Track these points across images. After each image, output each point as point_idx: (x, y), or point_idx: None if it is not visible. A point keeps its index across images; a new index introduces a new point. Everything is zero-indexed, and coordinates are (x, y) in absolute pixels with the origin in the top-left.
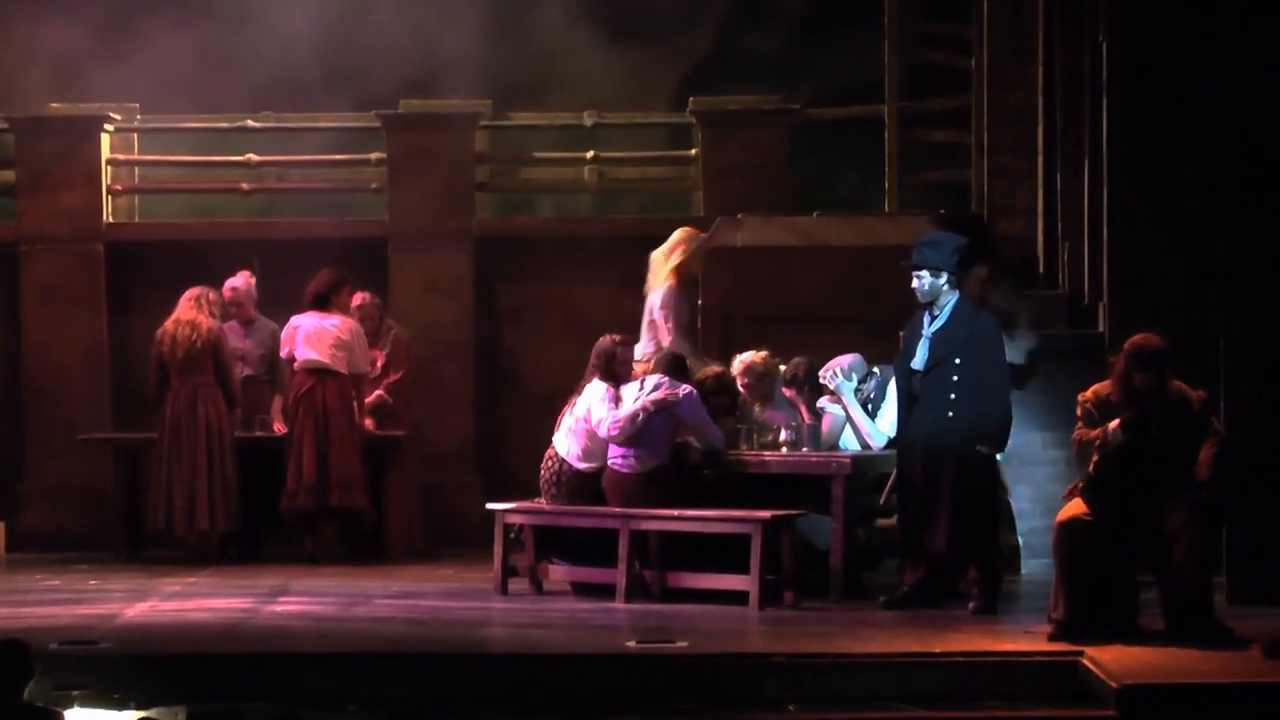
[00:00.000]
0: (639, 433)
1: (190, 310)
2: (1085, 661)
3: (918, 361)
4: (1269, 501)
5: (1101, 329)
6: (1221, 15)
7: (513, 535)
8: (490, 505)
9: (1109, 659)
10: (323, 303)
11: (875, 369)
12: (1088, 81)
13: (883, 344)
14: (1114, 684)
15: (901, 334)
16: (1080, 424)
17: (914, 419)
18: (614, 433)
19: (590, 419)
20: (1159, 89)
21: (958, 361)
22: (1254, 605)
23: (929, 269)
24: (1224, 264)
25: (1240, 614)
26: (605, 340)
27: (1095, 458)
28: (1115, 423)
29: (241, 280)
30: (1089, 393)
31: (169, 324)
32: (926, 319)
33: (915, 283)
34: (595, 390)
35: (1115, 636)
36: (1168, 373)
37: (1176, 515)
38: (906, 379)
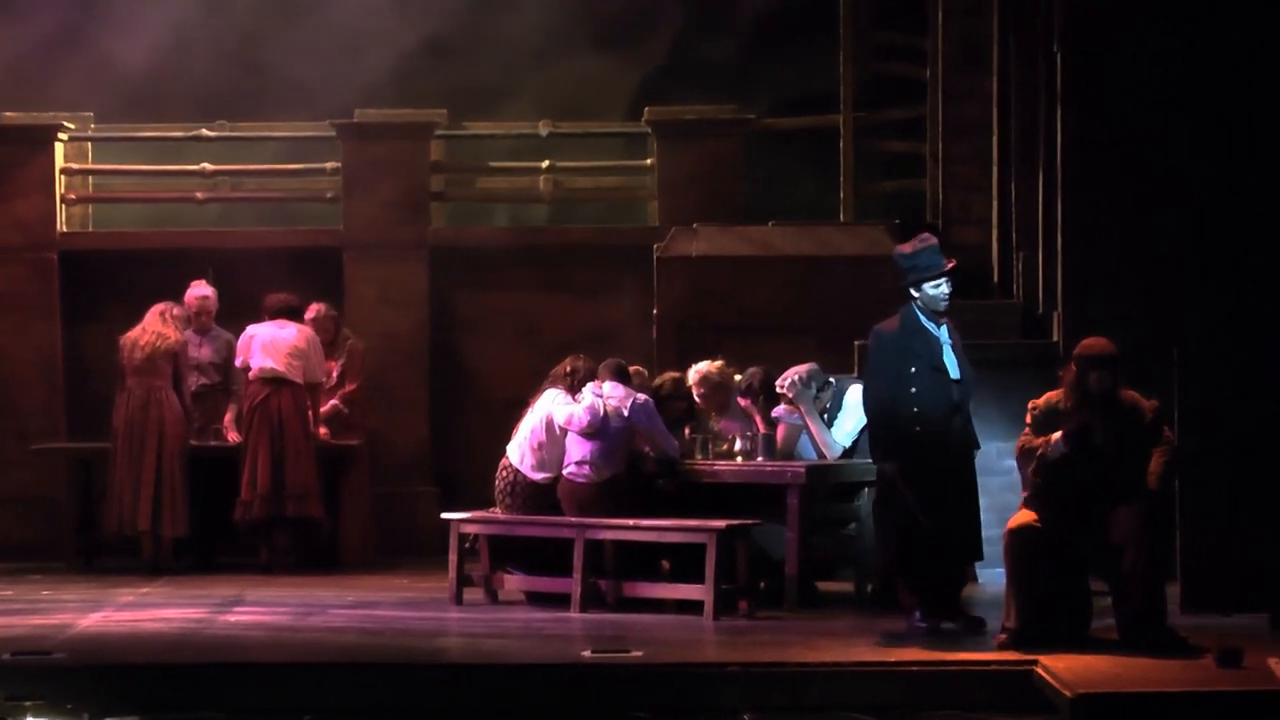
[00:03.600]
0: (596, 443)
1: (157, 322)
2: (1039, 670)
3: (954, 370)
4: (1222, 510)
5: (1055, 338)
6: (1174, 26)
7: (468, 545)
8: (445, 515)
9: (1063, 668)
10: (282, 314)
11: (831, 378)
12: (1042, 92)
13: (838, 353)
14: (1068, 693)
15: (890, 345)
16: (1027, 429)
17: (955, 426)
18: (585, 422)
19: (546, 430)
20: (1112, 100)
21: (969, 371)
22: (1207, 613)
23: (953, 275)
24: (1177, 274)
25: (1194, 623)
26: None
27: (1034, 465)
28: (1058, 434)
29: (198, 290)
30: (1040, 400)
31: (135, 331)
32: (935, 327)
33: (947, 287)
34: (552, 396)
35: (1069, 645)
36: (1119, 377)
37: (1124, 524)
38: (941, 387)
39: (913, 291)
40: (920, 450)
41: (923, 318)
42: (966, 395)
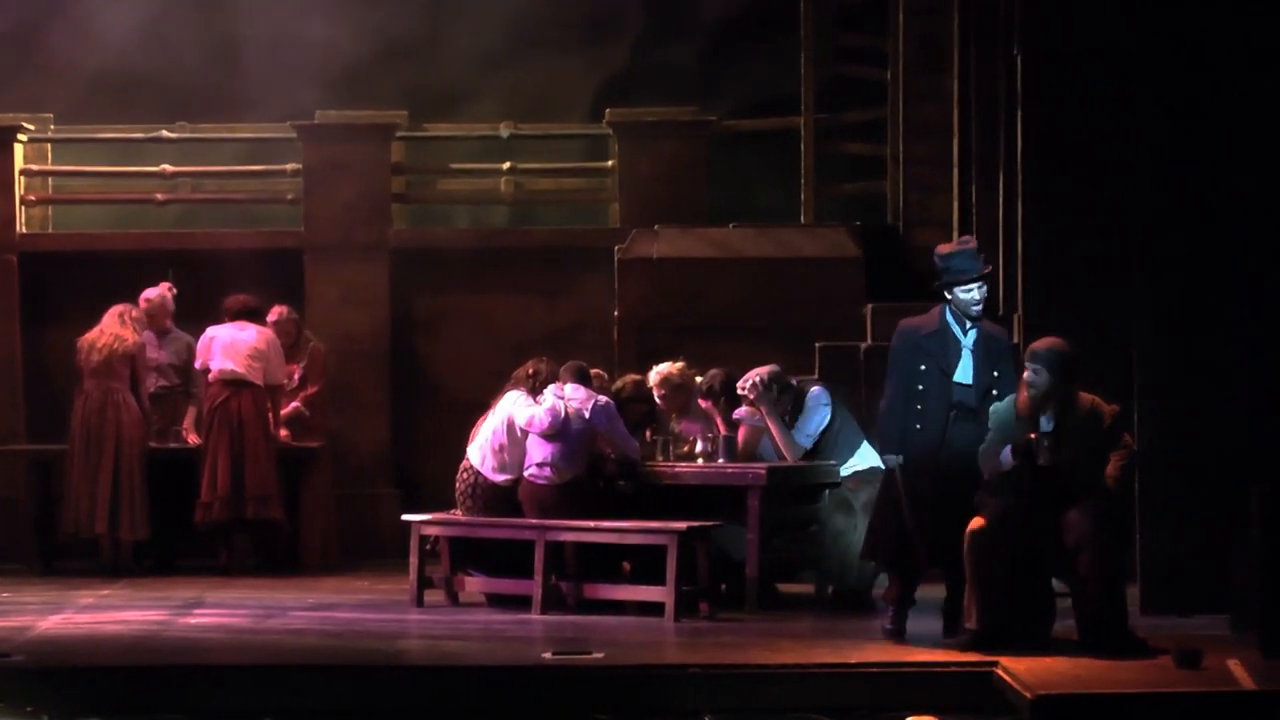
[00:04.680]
0: (557, 445)
1: (115, 324)
2: (999, 672)
3: (963, 374)
4: (1180, 512)
5: (1016, 340)
6: (1135, 28)
7: (428, 547)
8: (406, 517)
9: (1023, 669)
10: (243, 315)
11: (793, 380)
12: (1002, 94)
13: (799, 355)
14: (1028, 694)
15: (905, 341)
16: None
17: (960, 431)
18: (546, 423)
19: (507, 431)
20: (1073, 102)
21: (996, 374)
22: (1167, 615)
23: (987, 280)
24: (1135, 278)
25: (1153, 624)
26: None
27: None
28: (1006, 448)
29: (156, 292)
30: (1002, 404)
31: (93, 333)
32: (961, 332)
33: (980, 293)
34: (514, 398)
35: (1030, 646)
36: (1070, 377)
37: (1078, 527)
38: (945, 391)
39: (946, 294)
40: (918, 449)
41: (951, 319)
42: (976, 401)
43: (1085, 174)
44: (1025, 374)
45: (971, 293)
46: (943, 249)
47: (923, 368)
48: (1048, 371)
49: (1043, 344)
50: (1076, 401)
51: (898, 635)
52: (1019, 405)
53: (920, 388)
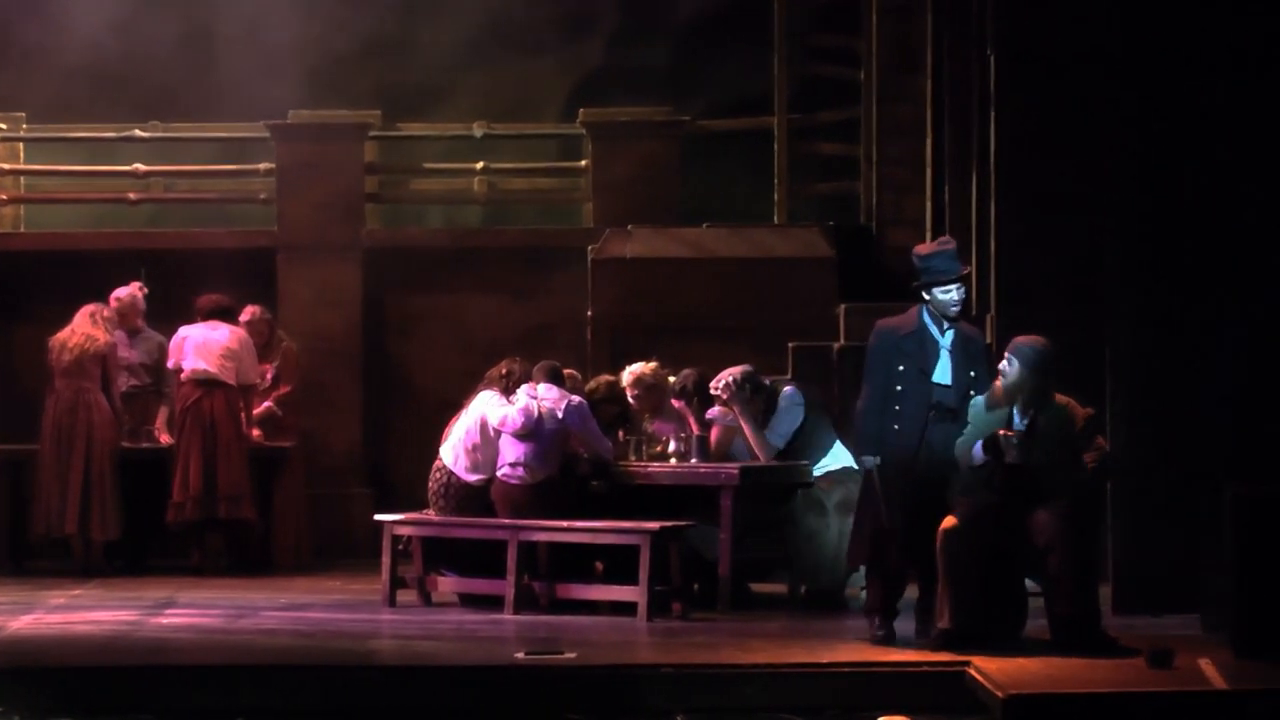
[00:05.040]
0: (530, 445)
1: (86, 324)
2: (971, 671)
3: (942, 375)
4: (1152, 512)
5: (989, 340)
6: (1108, 28)
7: (401, 547)
8: (378, 516)
9: (995, 669)
10: (215, 315)
11: (766, 380)
12: (976, 94)
13: (772, 355)
14: (1000, 694)
15: (883, 341)
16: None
17: (939, 432)
18: (519, 423)
19: (480, 431)
20: (1047, 102)
21: (973, 375)
22: (1139, 615)
23: (965, 280)
24: (1111, 277)
25: (1125, 624)
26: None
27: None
28: (978, 443)
29: (126, 291)
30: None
31: (64, 333)
32: (939, 332)
33: (959, 294)
34: (487, 398)
35: (1002, 646)
36: (1051, 376)
37: (1049, 527)
38: (924, 392)
39: (924, 294)
40: (896, 450)
41: (928, 320)
42: (956, 402)
43: (1058, 174)
44: (1001, 365)
45: (950, 293)
46: (922, 249)
47: (901, 368)
48: (1021, 365)
49: (1023, 339)
50: (1052, 401)
51: (889, 640)
52: (990, 395)
53: (899, 388)
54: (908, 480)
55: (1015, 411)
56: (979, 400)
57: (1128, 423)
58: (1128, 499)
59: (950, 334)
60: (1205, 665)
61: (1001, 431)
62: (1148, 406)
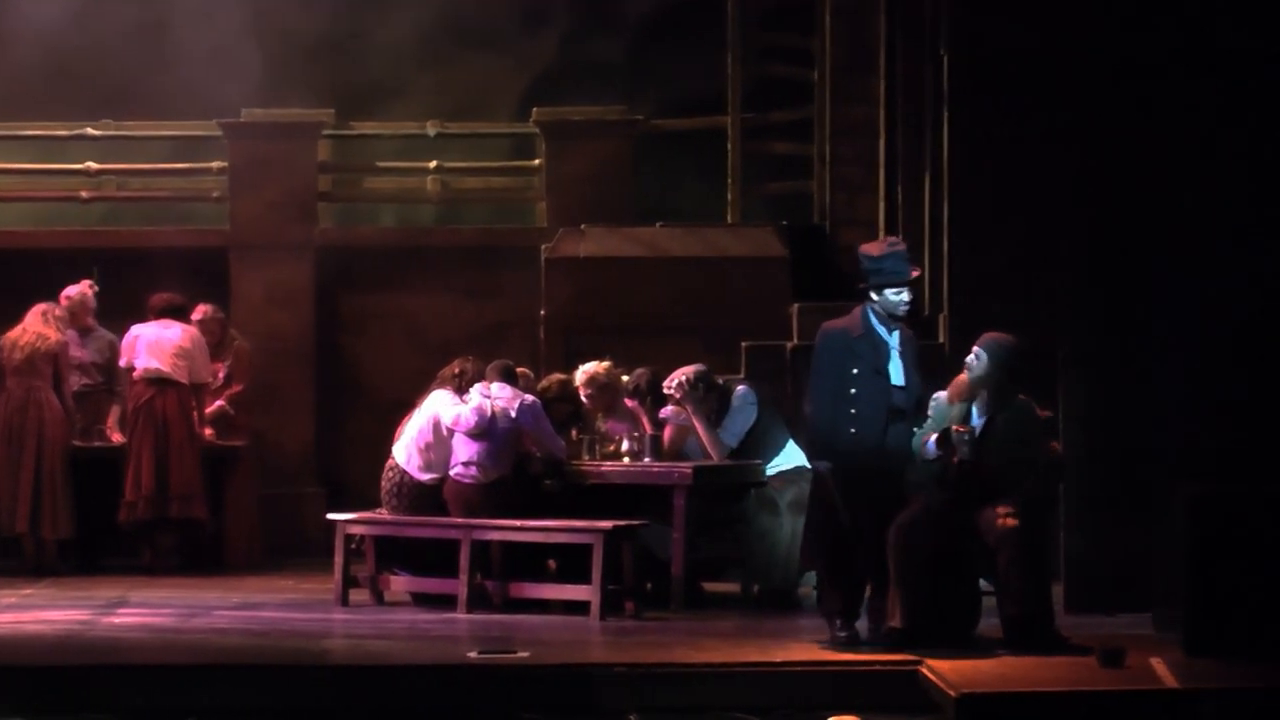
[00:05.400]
0: (483, 444)
1: (38, 322)
2: (924, 671)
3: (895, 376)
4: (1104, 510)
5: (941, 340)
6: (1061, 29)
7: (354, 546)
8: (331, 515)
9: (947, 668)
10: (168, 314)
11: (719, 379)
12: (929, 94)
13: (725, 354)
14: (952, 693)
15: (835, 343)
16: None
17: (893, 432)
18: (472, 422)
19: (433, 430)
20: (1000, 102)
21: (915, 379)
22: (1091, 614)
23: (917, 282)
24: (1063, 276)
25: (1077, 623)
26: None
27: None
28: (932, 436)
29: (77, 290)
30: (942, 394)
31: (15, 331)
32: (886, 332)
33: (909, 295)
34: (440, 397)
35: (954, 645)
36: (1014, 375)
37: (999, 526)
38: (882, 393)
39: (872, 295)
40: (854, 453)
41: (875, 321)
42: (908, 403)
43: (1011, 175)
44: (968, 359)
45: (902, 294)
46: (872, 250)
47: (855, 371)
48: (989, 359)
49: (992, 335)
50: (1014, 399)
51: (852, 642)
52: (951, 388)
53: (853, 391)
54: (866, 482)
55: (974, 408)
56: (941, 395)
57: (1079, 422)
58: (1080, 498)
59: (896, 334)
60: (1157, 664)
61: (954, 428)
62: (1099, 406)
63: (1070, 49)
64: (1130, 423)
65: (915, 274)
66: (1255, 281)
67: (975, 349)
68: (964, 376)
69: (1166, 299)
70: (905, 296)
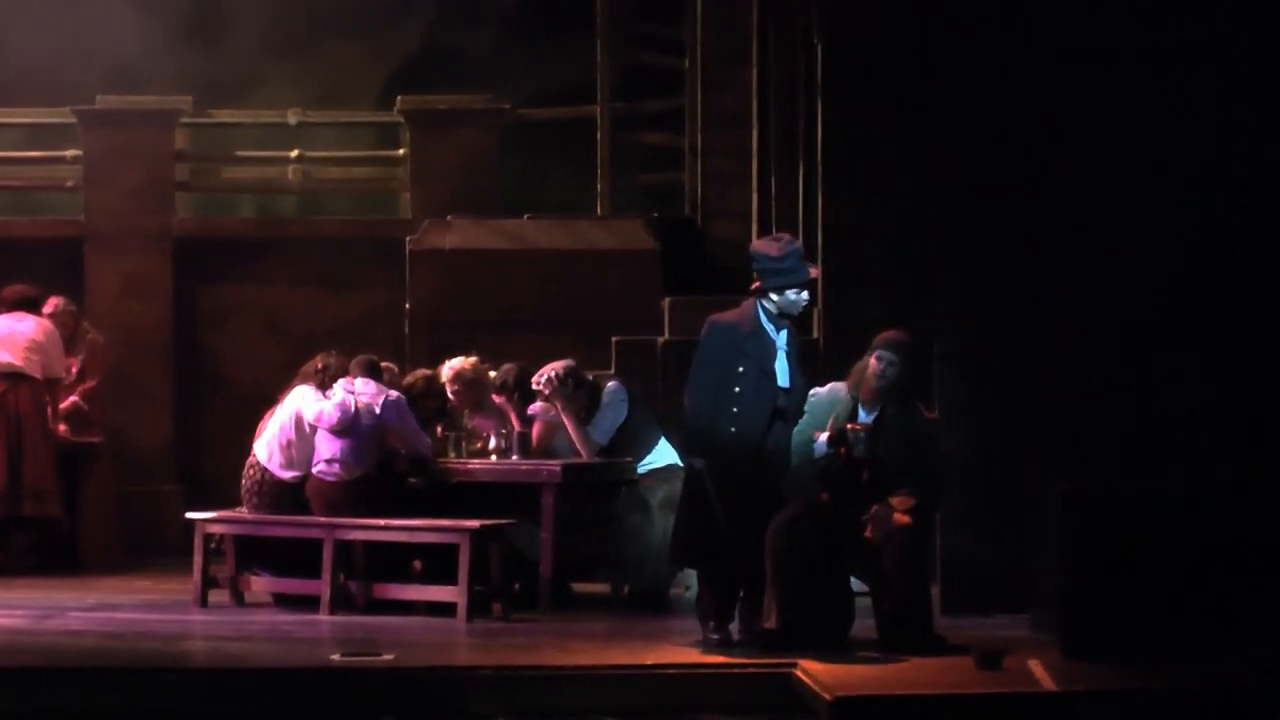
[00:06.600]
0: (347, 441)
1: None
2: (798, 673)
3: (781, 376)
4: (980, 510)
5: (815, 335)
6: (936, 19)
7: (213, 545)
8: (190, 514)
9: (822, 670)
10: (20, 306)
11: (589, 375)
12: (802, 84)
13: (595, 349)
14: (827, 695)
15: (722, 339)
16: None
17: (774, 433)
18: (335, 419)
19: (295, 427)
20: (874, 93)
21: (800, 380)
22: (967, 615)
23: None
24: (937, 272)
25: (953, 624)
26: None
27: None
28: (823, 435)
29: None
30: (823, 389)
31: None
32: (775, 331)
33: (806, 294)
34: (302, 393)
35: (829, 647)
36: (908, 367)
37: (889, 521)
38: (767, 393)
39: (772, 295)
40: (733, 452)
41: (765, 319)
42: (791, 404)
43: (887, 168)
44: (877, 362)
45: (803, 294)
46: (770, 249)
47: (741, 369)
48: (904, 359)
49: (894, 334)
50: (903, 397)
51: (725, 643)
52: (863, 392)
53: (736, 389)
54: (744, 482)
55: (861, 406)
56: (821, 391)
57: (956, 419)
58: (957, 497)
59: (783, 333)
60: (1034, 666)
61: (850, 425)
62: (975, 403)
63: (943, 39)
64: (1007, 420)
65: (815, 273)
66: (1136, 276)
67: (881, 352)
68: (871, 376)
69: (1043, 294)
70: (805, 296)
